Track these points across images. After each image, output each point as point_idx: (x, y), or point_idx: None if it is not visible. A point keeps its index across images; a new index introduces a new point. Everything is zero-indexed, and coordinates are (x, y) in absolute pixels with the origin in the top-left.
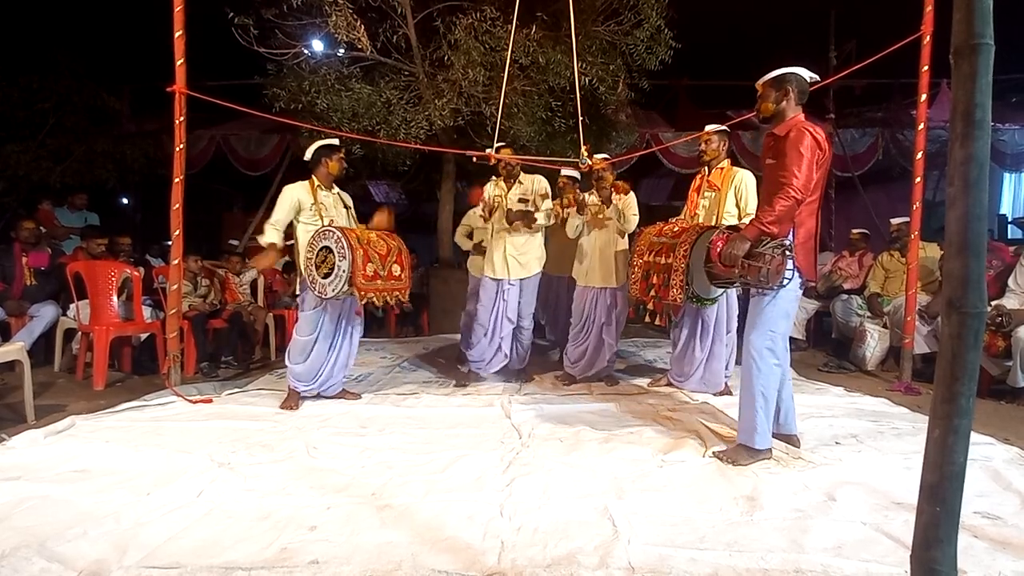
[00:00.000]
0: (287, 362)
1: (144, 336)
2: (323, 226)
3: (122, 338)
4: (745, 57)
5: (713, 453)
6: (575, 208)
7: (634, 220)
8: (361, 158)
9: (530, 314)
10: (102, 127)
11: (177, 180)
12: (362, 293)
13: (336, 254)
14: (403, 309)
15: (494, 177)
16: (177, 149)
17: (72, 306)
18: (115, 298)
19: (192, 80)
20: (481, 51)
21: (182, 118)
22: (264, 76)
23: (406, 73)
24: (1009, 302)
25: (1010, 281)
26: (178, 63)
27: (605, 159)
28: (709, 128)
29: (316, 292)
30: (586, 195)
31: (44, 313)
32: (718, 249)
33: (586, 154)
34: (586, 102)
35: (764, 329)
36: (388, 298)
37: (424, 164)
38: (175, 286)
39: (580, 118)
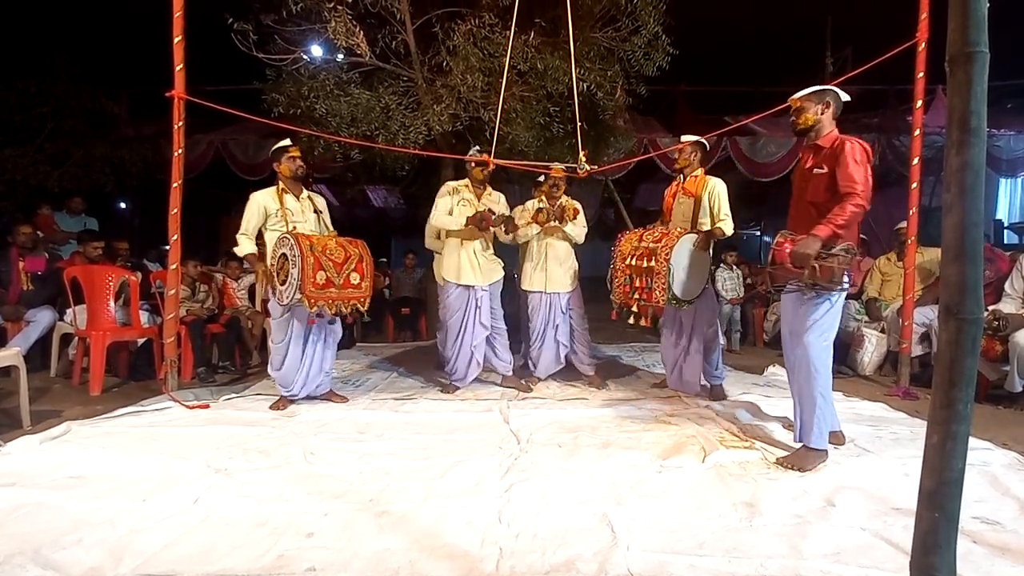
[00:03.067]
0: (269, 369)
1: (141, 341)
2: (283, 233)
3: (119, 343)
4: (742, 63)
5: (776, 460)
6: (533, 220)
7: (582, 232)
8: (360, 163)
9: (500, 316)
10: (100, 131)
11: (175, 185)
12: (311, 301)
13: (290, 261)
14: (360, 319)
15: (459, 182)
16: (176, 154)
17: (69, 311)
18: (112, 303)
19: (191, 85)
20: (480, 57)
21: (181, 123)
22: (263, 81)
23: (405, 79)
24: (1006, 307)
25: (1007, 286)
26: (177, 68)
27: (560, 169)
28: (685, 139)
29: (276, 299)
30: (536, 201)
31: (40, 318)
32: (787, 250)
33: (584, 160)
34: (584, 108)
35: (821, 333)
36: (343, 307)
37: (422, 169)
38: (173, 291)
39: (578, 124)
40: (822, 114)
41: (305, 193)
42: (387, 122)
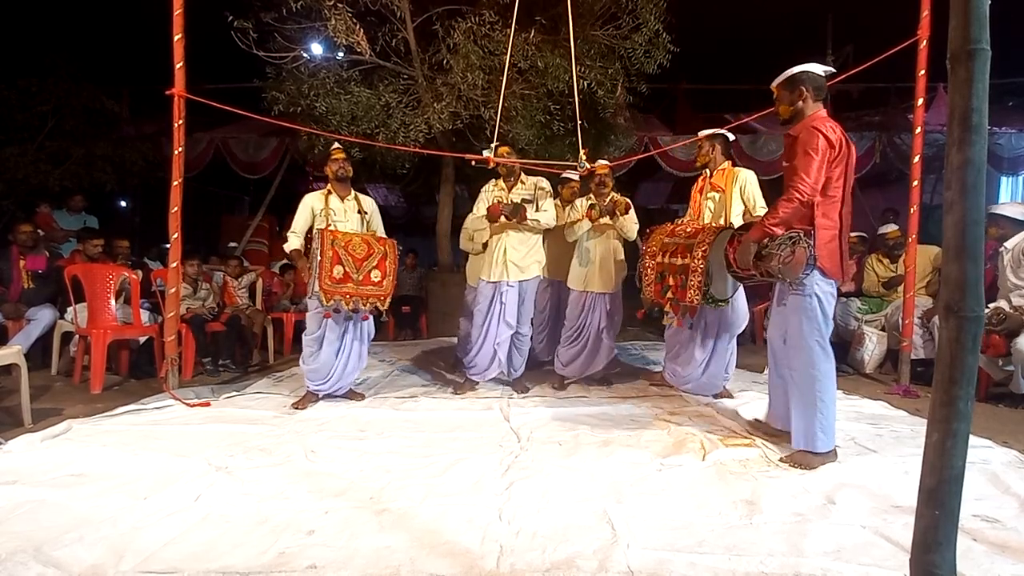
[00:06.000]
0: (301, 364)
1: (142, 339)
2: (317, 229)
3: (120, 341)
4: (743, 61)
5: (781, 459)
6: (586, 217)
7: (635, 228)
8: (360, 161)
9: (528, 320)
10: (101, 130)
11: (176, 183)
12: (327, 295)
13: (314, 255)
14: (377, 317)
15: (494, 180)
16: (176, 152)
17: (70, 309)
18: (113, 301)
19: (191, 83)
20: (480, 55)
21: (181, 121)
22: (263, 79)
23: (405, 77)
24: (1017, 299)
25: (1013, 278)
26: (177, 66)
27: (606, 166)
28: (701, 133)
29: (308, 293)
30: (584, 199)
31: (41, 316)
32: (730, 255)
33: (584, 158)
34: (585, 106)
35: (810, 333)
36: (361, 303)
37: (423, 167)
38: (173, 289)
39: (579, 122)
40: (799, 103)
41: (352, 194)
42: (387, 120)
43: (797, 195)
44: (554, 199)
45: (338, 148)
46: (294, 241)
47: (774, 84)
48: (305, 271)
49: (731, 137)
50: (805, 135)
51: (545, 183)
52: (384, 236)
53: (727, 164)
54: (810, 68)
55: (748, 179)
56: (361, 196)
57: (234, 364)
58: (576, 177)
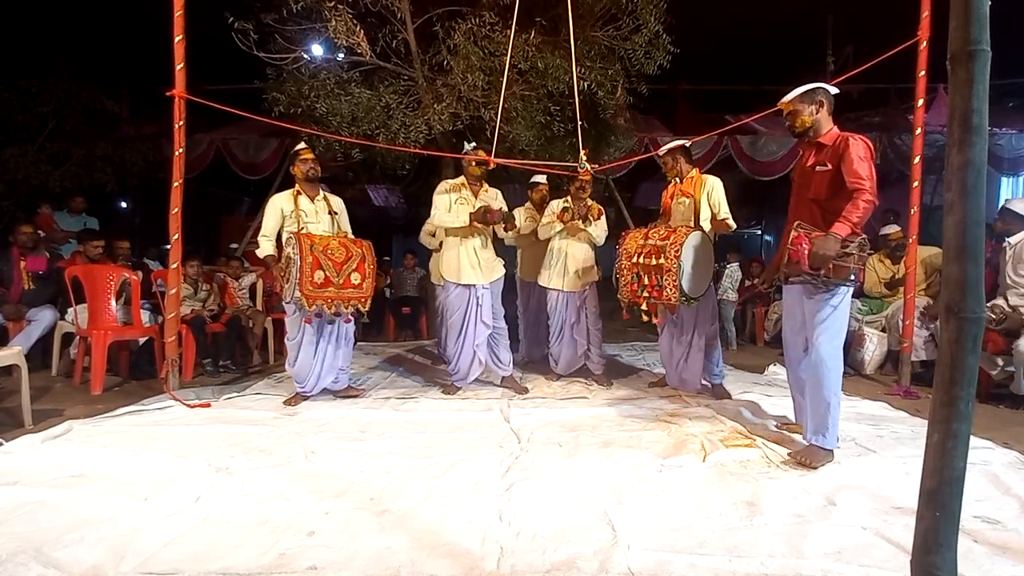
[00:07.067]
0: (286, 365)
1: (142, 340)
2: (290, 233)
3: (120, 342)
4: (743, 62)
5: (788, 455)
6: (558, 219)
7: (603, 235)
8: (360, 162)
9: (501, 315)
10: (101, 131)
11: (176, 184)
12: (309, 300)
13: (291, 260)
14: (360, 319)
15: (456, 180)
16: (176, 153)
17: (70, 310)
18: (113, 302)
19: (191, 84)
20: (480, 56)
21: (181, 122)
22: (264, 80)
23: (405, 78)
24: (1014, 298)
25: (1012, 274)
26: (178, 67)
27: (588, 172)
28: (661, 150)
29: (284, 297)
30: (561, 200)
31: (42, 317)
32: (805, 250)
33: (585, 158)
34: (585, 107)
35: (833, 332)
36: (343, 307)
37: (423, 168)
38: (174, 290)
39: (579, 123)
40: (817, 113)
41: (321, 195)
42: (388, 121)
43: (870, 195)
44: (523, 202)
45: (306, 148)
46: (267, 246)
47: (788, 100)
48: (279, 276)
49: (688, 143)
50: (853, 141)
51: (500, 197)
52: (354, 237)
53: (695, 171)
54: (824, 86)
55: (715, 186)
56: (330, 196)
57: (234, 365)
58: (544, 180)
